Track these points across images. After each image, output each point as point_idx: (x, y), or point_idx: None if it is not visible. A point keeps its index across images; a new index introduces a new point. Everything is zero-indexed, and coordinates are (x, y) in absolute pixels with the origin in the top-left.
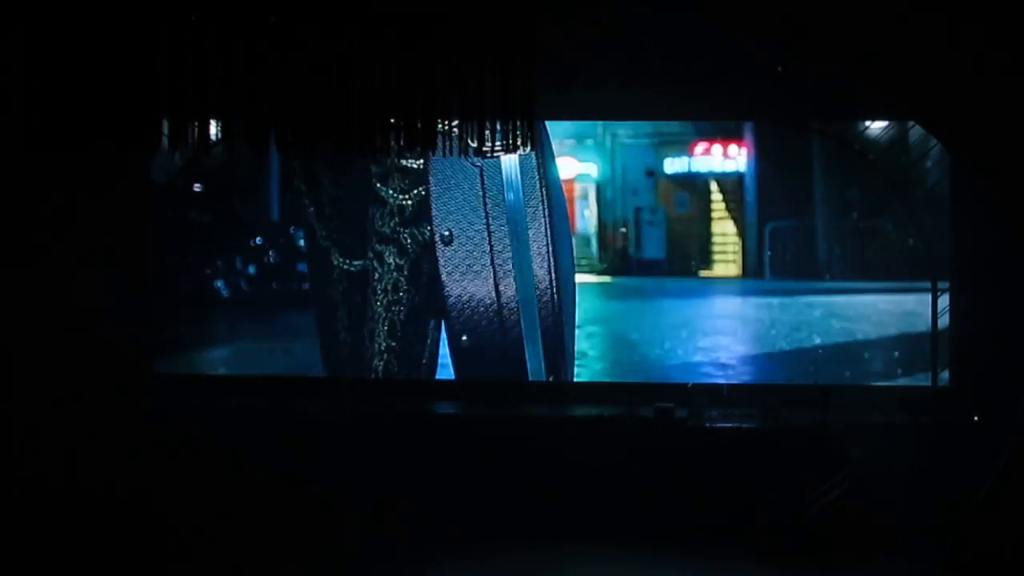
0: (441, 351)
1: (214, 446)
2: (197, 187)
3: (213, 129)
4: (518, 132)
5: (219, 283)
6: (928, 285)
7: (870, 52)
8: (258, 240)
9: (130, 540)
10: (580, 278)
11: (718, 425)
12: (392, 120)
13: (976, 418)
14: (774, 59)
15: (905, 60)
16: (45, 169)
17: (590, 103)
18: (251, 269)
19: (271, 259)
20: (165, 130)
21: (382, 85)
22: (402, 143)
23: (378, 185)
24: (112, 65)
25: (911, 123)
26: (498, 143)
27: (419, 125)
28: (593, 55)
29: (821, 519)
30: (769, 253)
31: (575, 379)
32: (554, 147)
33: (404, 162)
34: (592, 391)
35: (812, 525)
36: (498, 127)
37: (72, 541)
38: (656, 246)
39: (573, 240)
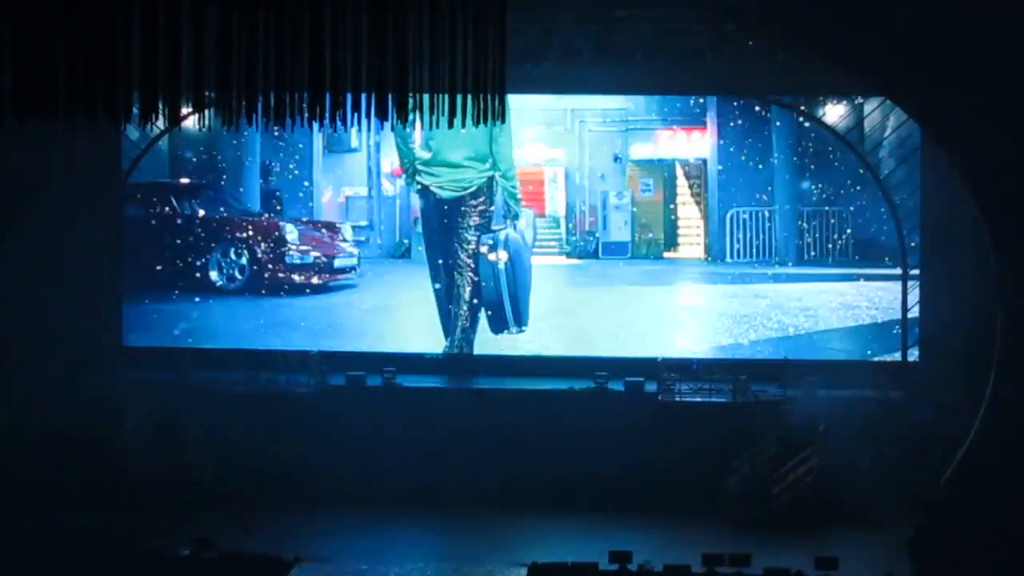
0: None
1: (179, 412)
2: (185, 180)
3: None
4: (489, 106)
5: (214, 272)
6: (874, 271)
7: (841, 27)
8: (250, 231)
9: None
10: (548, 261)
11: (687, 399)
12: (364, 93)
13: (947, 393)
14: (746, 35)
15: (877, 36)
16: (21, 148)
17: (562, 77)
18: (243, 260)
19: (263, 251)
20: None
21: (354, 58)
22: (375, 115)
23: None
24: (86, 38)
25: (867, 113)
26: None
27: (391, 98)
28: (566, 29)
29: (789, 491)
30: (730, 238)
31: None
32: (525, 133)
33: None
34: (564, 364)
35: (780, 496)
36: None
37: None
38: (622, 229)
39: (546, 220)
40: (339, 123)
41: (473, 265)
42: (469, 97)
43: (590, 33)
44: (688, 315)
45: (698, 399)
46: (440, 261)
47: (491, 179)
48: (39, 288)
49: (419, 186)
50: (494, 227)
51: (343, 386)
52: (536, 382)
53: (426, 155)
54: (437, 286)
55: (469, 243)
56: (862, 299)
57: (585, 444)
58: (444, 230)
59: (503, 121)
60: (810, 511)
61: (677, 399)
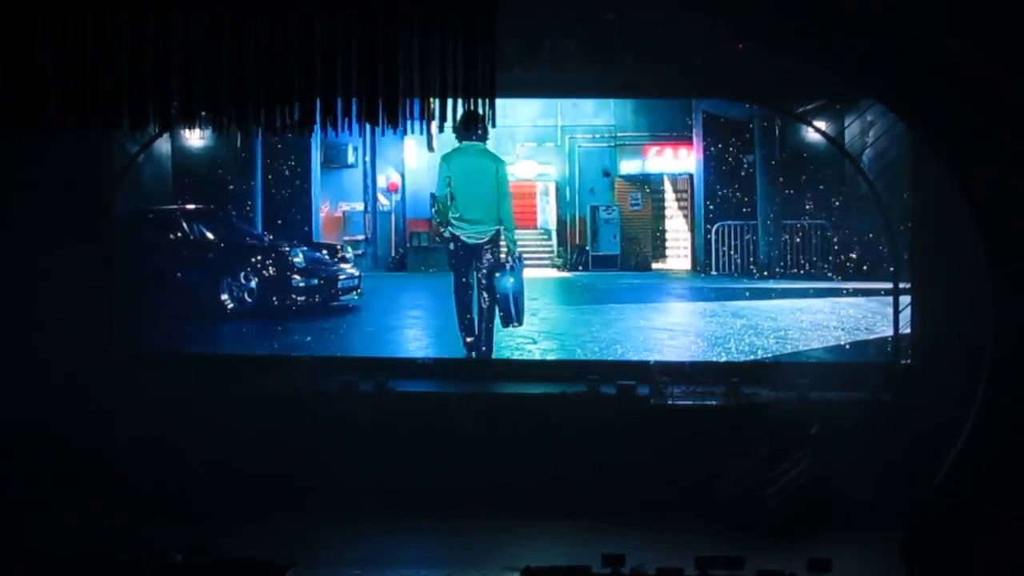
0: None
1: (171, 417)
2: (191, 206)
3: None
4: (479, 110)
5: (225, 296)
6: (854, 285)
7: (831, 29)
8: (258, 256)
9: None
10: (541, 273)
11: (680, 402)
12: (355, 97)
13: (940, 394)
14: (735, 37)
15: (870, 39)
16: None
17: (552, 81)
18: (252, 284)
19: (270, 275)
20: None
21: (344, 62)
22: (365, 120)
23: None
24: (76, 46)
25: (847, 124)
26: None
27: (381, 102)
28: (555, 32)
29: (782, 493)
30: (716, 251)
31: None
32: (516, 150)
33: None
34: (556, 368)
35: (773, 499)
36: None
37: None
38: (611, 242)
39: (534, 233)
40: (330, 130)
41: (489, 288)
42: (460, 102)
43: (579, 36)
44: (666, 337)
45: (690, 402)
46: (466, 281)
47: (499, 231)
48: (31, 294)
49: (451, 234)
50: (502, 261)
51: (335, 391)
52: (527, 386)
53: (457, 215)
54: (460, 296)
55: (488, 271)
56: (833, 318)
57: (577, 447)
58: (469, 262)
59: (494, 125)
60: (803, 513)
61: (669, 402)
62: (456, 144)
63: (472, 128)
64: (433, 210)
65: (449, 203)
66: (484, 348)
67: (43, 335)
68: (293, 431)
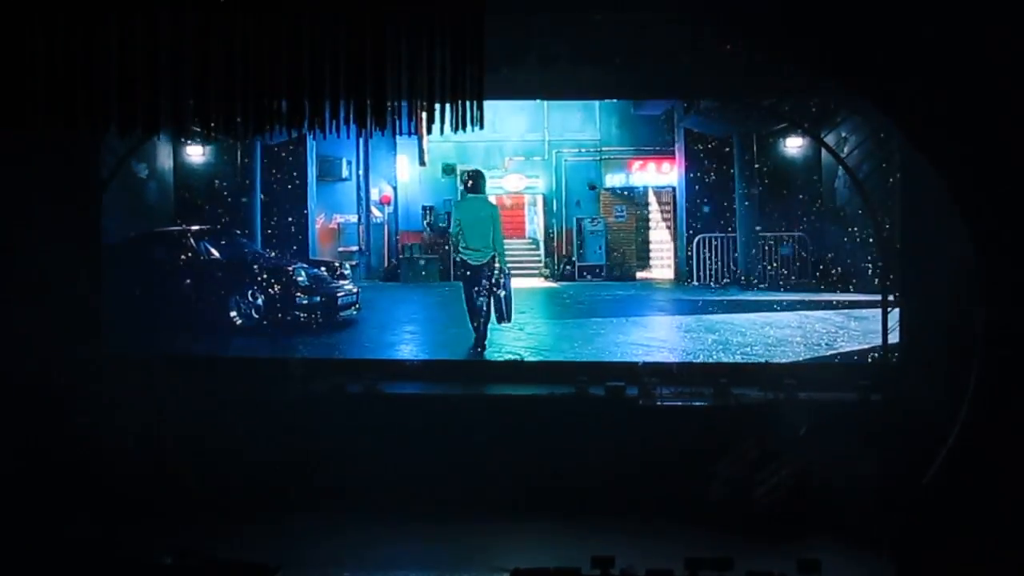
0: None
1: (160, 419)
2: (197, 227)
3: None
4: (467, 112)
5: (233, 312)
6: (833, 297)
7: (816, 29)
8: (264, 275)
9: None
10: (529, 283)
11: (668, 403)
12: (342, 99)
13: (929, 394)
14: (722, 38)
15: (858, 41)
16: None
17: (541, 81)
18: (259, 301)
19: (275, 292)
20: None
21: (332, 64)
22: (353, 122)
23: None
24: (62, 44)
25: (823, 135)
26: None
27: (369, 104)
28: (544, 32)
29: (770, 494)
30: (697, 262)
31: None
32: (504, 163)
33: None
34: (544, 370)
35: (761, 500)
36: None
37: None
38: (597, 253)
39: (523, 243)
40: (324, 143)
41: (488, 294)
42: (447, 103)
43: (567, 37)
44: (642, 352)
45: (679, 403)
46: (473, 290)
47: (494, 255)
48: (17, 295)
49: (461, 259)
50: (496, 275)
51: (324, 393)
52: (516, 388)
53: (465, 245)
54: (469, 299)
55: (486, 285)
56: (798, 333)
57: (566, 449)
58: (474, 280)
59: (481, 127)
60: (792, 514)
61: (658, 403)
62: (463, 195)
63: (475, 187)
64: (452, 242)
65: (459, 237)
66: (484, 334)
67: (30, 336)
68: (282, 433)
